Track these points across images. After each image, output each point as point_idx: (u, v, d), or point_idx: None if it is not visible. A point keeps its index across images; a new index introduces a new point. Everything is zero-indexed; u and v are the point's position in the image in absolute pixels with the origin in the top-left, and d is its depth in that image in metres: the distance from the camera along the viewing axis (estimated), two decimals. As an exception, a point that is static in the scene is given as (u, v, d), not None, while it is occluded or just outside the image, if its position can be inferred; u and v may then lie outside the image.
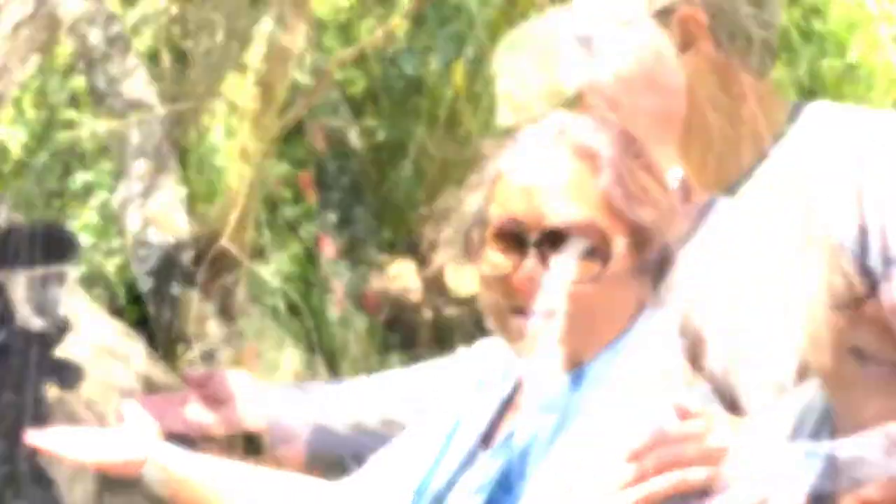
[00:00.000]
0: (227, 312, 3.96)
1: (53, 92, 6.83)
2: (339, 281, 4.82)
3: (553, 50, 1.77)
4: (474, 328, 2.10)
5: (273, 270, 4.56)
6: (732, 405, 1.57)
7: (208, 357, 3.75)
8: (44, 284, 2.09)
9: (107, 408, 2.91)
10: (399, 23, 3.99)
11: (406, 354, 4.71)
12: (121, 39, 4.34)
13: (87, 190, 6.15)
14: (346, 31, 6.51)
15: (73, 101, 6.66)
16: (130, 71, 4.25)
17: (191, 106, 4.83)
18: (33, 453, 2.03)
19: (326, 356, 4.29)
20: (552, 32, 1.79)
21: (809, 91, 4.14)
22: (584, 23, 1.74)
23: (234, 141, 3.65)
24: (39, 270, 2.10)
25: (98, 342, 3.18)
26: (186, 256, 3.91)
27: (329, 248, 4.96)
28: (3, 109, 6.61)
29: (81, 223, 6.11)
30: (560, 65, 1.75)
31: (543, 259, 1.44)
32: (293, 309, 4.11)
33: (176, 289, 3.89)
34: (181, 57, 6.33)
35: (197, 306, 3.84)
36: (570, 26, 1.77)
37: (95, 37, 4.26)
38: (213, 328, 3.86)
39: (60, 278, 2.13)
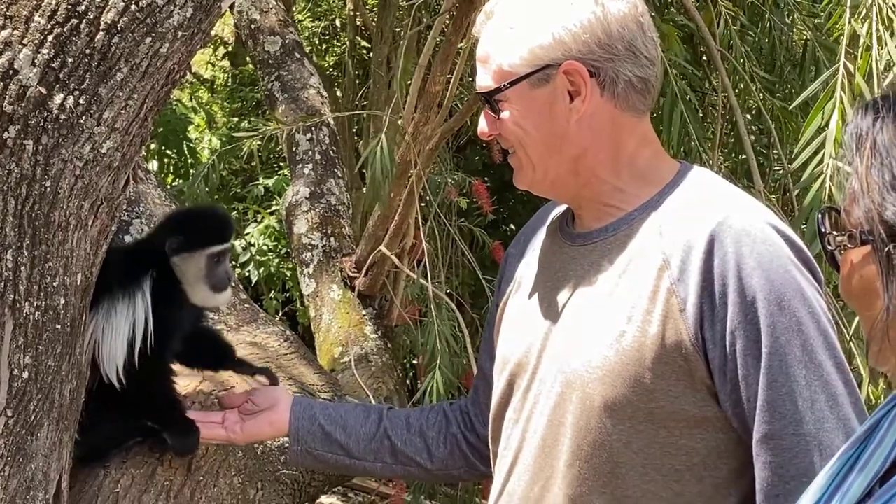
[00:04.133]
0: (384, 318, 3.99)
1: (241, 100, 7.13)
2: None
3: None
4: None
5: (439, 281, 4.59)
6: None
7: (363, 360, 3.79)
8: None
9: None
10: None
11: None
12: (297, 48, 4.45)
13: (268, 195, 6.37)
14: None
15: (259, 109, 6.92)
16: (305, 78, 4.35)
17: (359, 113, 4.93)
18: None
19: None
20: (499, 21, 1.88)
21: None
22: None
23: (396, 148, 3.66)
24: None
25: (255, 341, 3.26)
26: (348, 261, 3.97)
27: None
28: (196, 116, 6.89)
29: (262, 227, 6.33)
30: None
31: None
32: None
33: (336, 293, 3.95)
34: (364, 67, 6.49)
35: (355, 310, 3.88)
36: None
37: (272, 44, 4.38)
38: (371, 332, 3.89)
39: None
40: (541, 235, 2.02)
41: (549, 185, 1.90)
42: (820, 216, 1.29)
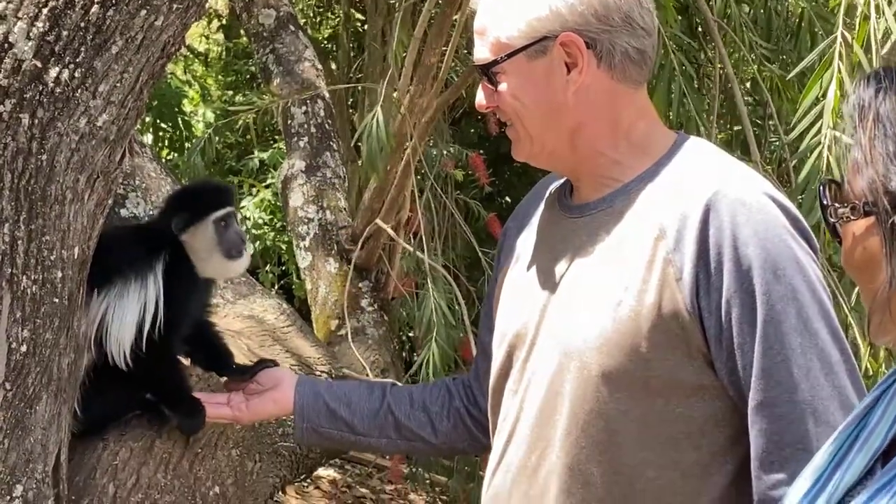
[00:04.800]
0: (381, 290, 4.00)
1: (235, 73, 7.11)
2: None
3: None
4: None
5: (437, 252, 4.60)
6: None
7: (360, 333, 3.80)
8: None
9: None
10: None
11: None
12: (291, 20, 4.43)
13: (263, 168, 6.36)
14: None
15: (253, 82, 6.90)
16: (299, 51, 4.34)
17: (354, 86, 4.92)
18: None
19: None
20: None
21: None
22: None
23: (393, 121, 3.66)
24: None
25: (252, 314, 3.27)
26: (344, 234, 3.97)
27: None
28: (191, 89, 6.86)
29: (257, 200, 6.33)
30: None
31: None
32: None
33: (332, 265, 3.96)
34: (358, 40, 6.47)
35: (352, 283, 3.89)
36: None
37: (267, 17, 4.37)
38: (367, 305, 3.90)
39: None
40: (539, 208, 2.03)
41: (547, 156, 1.90)
42: (821, 188, 1.29)
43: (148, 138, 6.31)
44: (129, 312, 2.20)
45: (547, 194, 2.03)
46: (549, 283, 1.90)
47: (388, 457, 5.09)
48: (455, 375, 2.35)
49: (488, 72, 1.85)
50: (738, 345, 1.69)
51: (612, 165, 1.85)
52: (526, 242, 2.01)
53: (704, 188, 1.73)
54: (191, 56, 7.75)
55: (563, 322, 1.83)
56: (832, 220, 1.26)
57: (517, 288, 1.98)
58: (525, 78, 1.83)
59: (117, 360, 2.22)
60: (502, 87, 1.85)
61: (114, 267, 2.18)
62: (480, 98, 1.90)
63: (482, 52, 1.86)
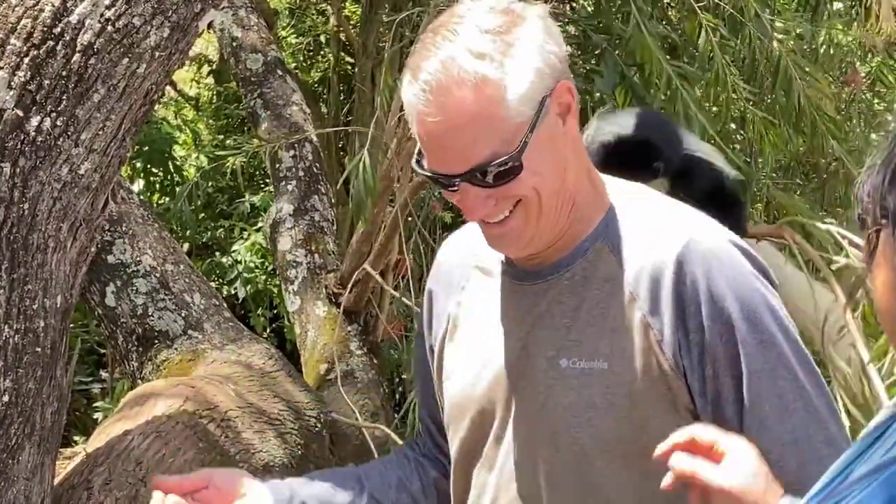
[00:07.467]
0: (370, 334, 3.99)
1: (226, 117, 7.14)
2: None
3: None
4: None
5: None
6: None
7: (349, 377, 3.79)
8: None
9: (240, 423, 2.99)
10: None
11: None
12: (279, 65, 4.45)
13: (254, 212, 6.36)
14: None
15: (244, 126, 6.92)
16: (287, 95, 4.36)
17: (343, 129, 4.93)
18: None
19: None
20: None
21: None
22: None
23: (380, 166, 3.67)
24: None
25: (240, 359, 3.26)
26: (332, 278, 3.97)
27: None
28: (182, 134, 6.87)
29: (248, 244, 6.32)
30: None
31: None
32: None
33: (321, 309, 3.95)
34: (348, 82, 6.50)
35: (341, 327, 3.88)
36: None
37: (254, 62, 4.39)
38: (356, 349, 3.89)
39: None
40: (468, 271, 1.87)
41: (550, 232, 1.72)
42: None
43: (139, 184, 6.32)
44: None
45: (468, 255, 1.86)
46: (510, 354, 1.78)
47: None
48: (411, 445, 2.17)
49: (508, 164, 1.61)
50: (725, 398, 1.68)
51: (575, 223, 1.73)
52: (466, 309, 1.86)
53: (670, 243, 1.67)
54: (182, 101, 7.78)
55: (543, 397, 1.75)
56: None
57: (468, 358, 1.85)
58: (538, 145, 1.64)
59: None
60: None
61: None
62: (479, 208, 1.64)
63: (486, 150, 1.60)
